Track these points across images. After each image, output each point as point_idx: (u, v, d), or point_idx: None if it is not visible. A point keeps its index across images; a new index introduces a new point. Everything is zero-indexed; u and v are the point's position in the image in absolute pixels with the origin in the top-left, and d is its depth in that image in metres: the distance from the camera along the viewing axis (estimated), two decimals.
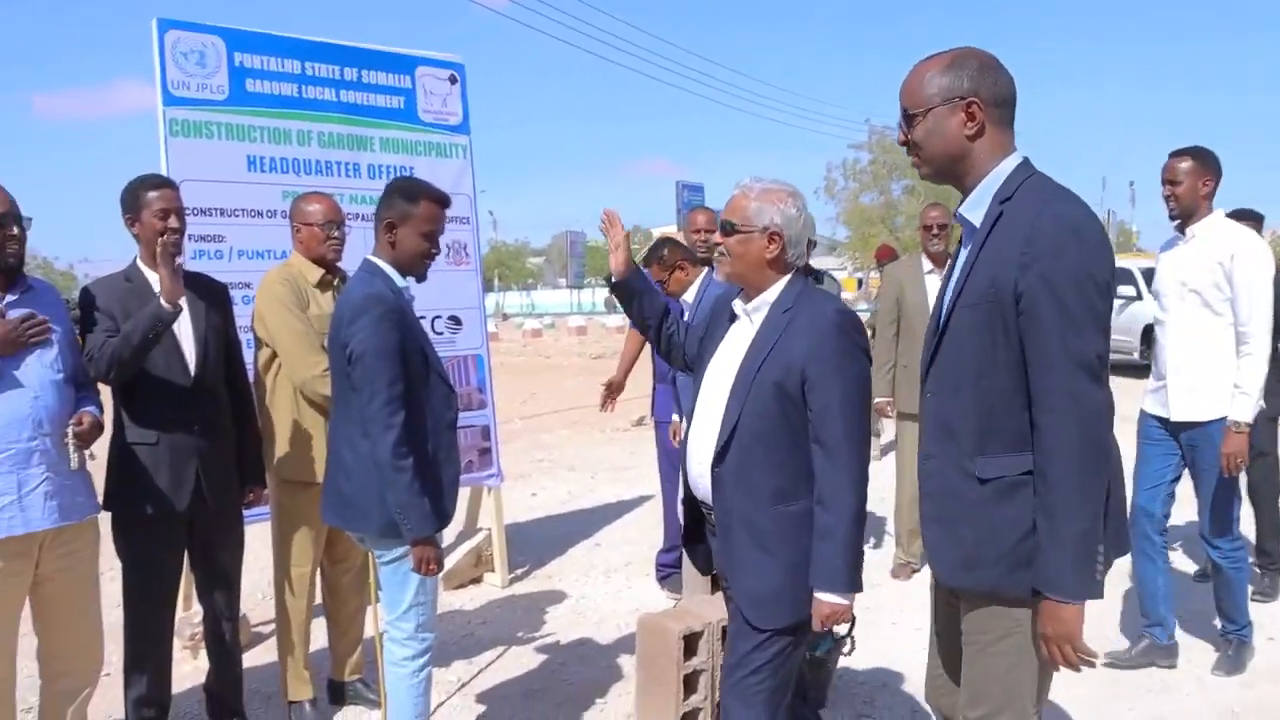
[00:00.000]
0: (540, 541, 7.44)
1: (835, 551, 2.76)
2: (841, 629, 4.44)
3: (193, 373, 3.89)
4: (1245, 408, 4.40)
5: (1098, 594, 2.28)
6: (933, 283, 5.94)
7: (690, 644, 4.04)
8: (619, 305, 3.48)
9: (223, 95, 5.17)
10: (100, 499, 3.75)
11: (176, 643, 4.26)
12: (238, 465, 4.13)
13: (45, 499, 3.42)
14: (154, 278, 3.85)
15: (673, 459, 6.04)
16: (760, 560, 2.88)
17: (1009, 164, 2.45)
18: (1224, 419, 4.46)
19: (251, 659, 4.85)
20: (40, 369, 3.46)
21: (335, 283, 4.34)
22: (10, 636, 3.50)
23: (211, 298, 4.07)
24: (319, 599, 4.55)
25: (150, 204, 3.84)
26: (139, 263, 3.91)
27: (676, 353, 3.43)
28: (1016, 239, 2.31)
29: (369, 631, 4.55)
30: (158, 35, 4.93)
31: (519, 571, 6.66)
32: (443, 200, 3.62)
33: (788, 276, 2.97)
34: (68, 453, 3.46)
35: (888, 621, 5.43)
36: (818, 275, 6.38)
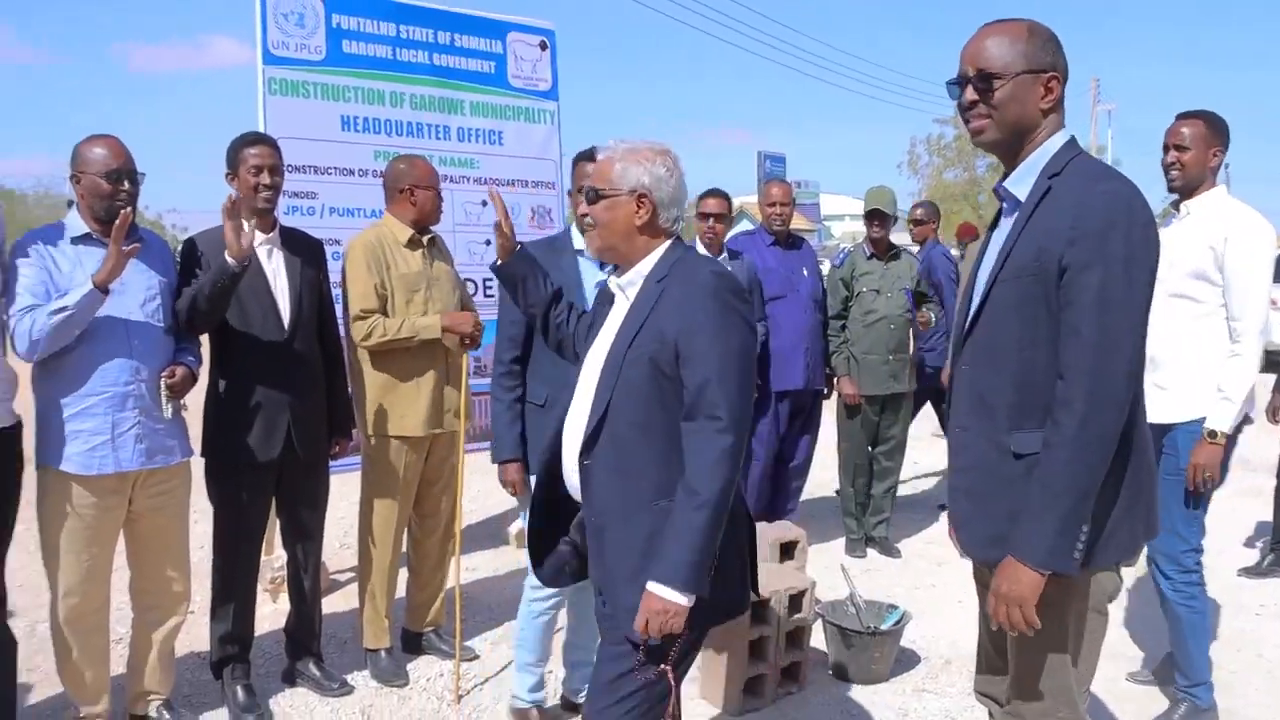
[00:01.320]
0: None
1: (680, 539, 2.41)
2: (893, 614, 4.50)
3: (287, 326, 4.01)
4: (1226, 415, 3.76)
5: (1069, 569, 2.28)
6: None
7: (757, 611, 4.11)
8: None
9: (320, 56, 5.29)
10: (196, 445, 3.91)
11: (258, 585, 4.42)
12: (327, 417, 4.26)
13: (136, 441, 3.61)
14: (255, 233, 3.99)
15: (753, 430, 6.08)
16: (640, 565, 2.50)
17: (1057, 140, 2.44)
18: (1196, 423, 3.81)
19: (329, 605, 5.00)
20: (140, 317, 3.62)
21: (425, 242, 4.43)
22: (106, 566, 3.71)
23: (307, 253, 4.18)
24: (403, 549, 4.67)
25: (246, 160, 3.98)
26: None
27: (567, 344, 3.10)
28: (1065, 214, 2.29)
29: (449, 583, 4.67)
30: None
31: None
32: None
33: (664, 245, 2.68)
34: (161, 400, 3.63)
35: (954, 599, 5.43)
36: (895, 251, 6.34)
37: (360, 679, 4.43)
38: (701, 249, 5.68)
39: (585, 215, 2.74)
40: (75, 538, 3.58)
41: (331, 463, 4.41)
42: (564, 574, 2.91)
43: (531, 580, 3.86)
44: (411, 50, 5.65)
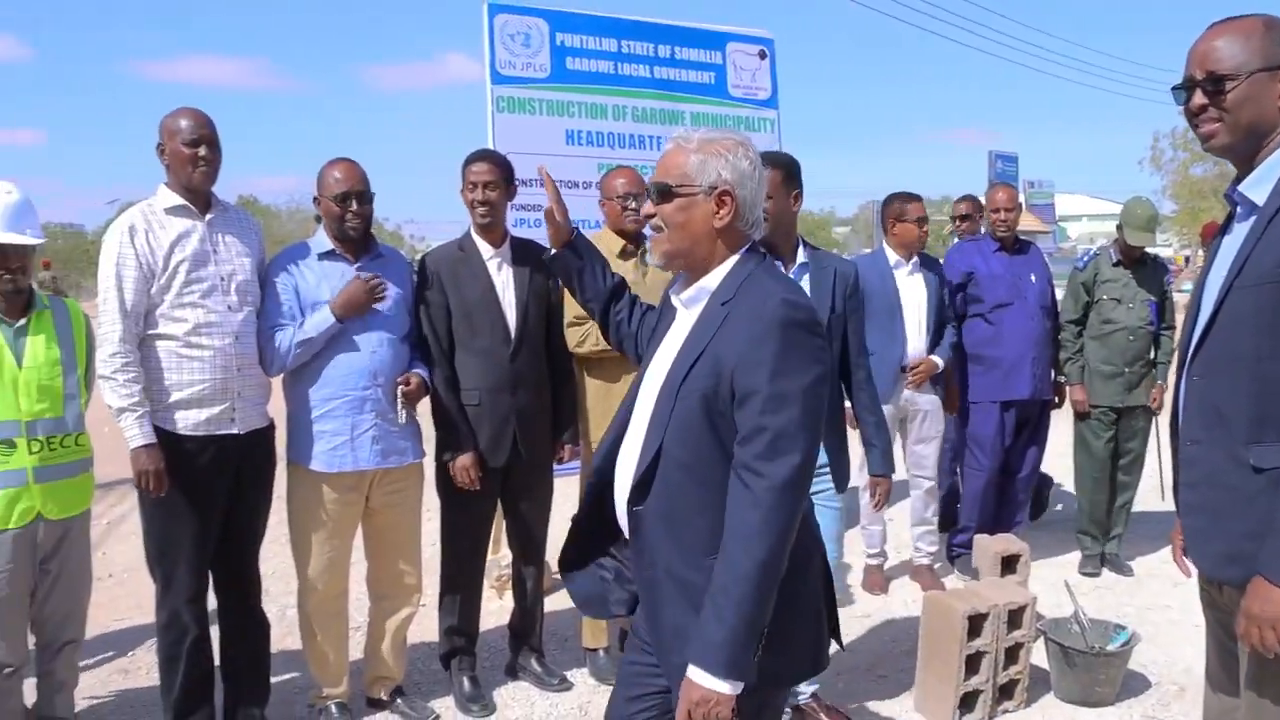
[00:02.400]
0: None
1: (721, 618, 2.07)
2: (1121, 635, 4.29)
3: (513, 337, 4.18)
4: None
5: None
6: None
7: (975, 625, 4.03)
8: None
9: (545, 73, 5.51)
10: (429, 446, 4.15)
11: (485, 582, 4.62)
12: (552, 422, 4.41)
13: (372, 443, 3.88)
14: (484, 247, 4.19)
15: (978, 440, 5.94)
16: (694, 624, 2.18)
17: None
18: None
19: (551, 603, 5.16)
20: (379, 327, 3.87)
21: (639, 252, 4.54)
22: (345, 557, 4.01)
23: (536, 264, 4.31)
24: None
25: (467, 176, 4.20)
26: (471, 232, 4.24)
27: (628, 343, 2.82)
28: None
29: None
30: (488, 19, 5.32)
31: None
32: None
33: (736, 257, 2.33)
34: (397, 406, 3.87)
35: (1191, 622, 5.13)
36: (1143, 257, 6.02)
37: (579, 676, 4.58)
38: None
39: (651, 216, 2.36)
40: (318, 530, 3.89)
41: (556, 466, 4.57)
42: (607, 604, 2.59)
43: None
44: (633, 64, 5.80)
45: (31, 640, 3.79)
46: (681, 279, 2.43)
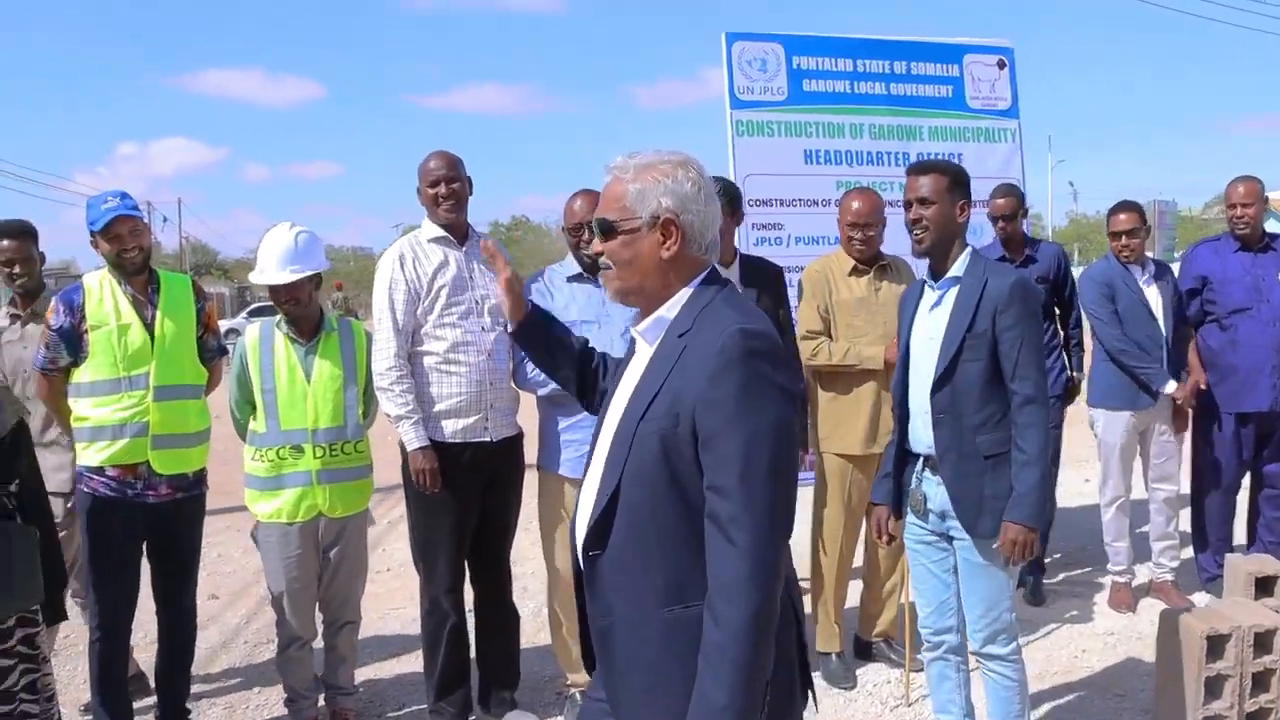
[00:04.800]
0: (1079, 529, 7.29)
1: (720, 679, 1.91)
2: None
3: None
4: None
5: None
6: None
7: (1214, 646, 3.91)
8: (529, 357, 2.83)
9: (782, 96, 5.70)
10: None
11: None
12: None
13: None
14: (719, 266, 4.41)
15: (1212, 455, 5.69)
16: (650, 681, 2.08)
17: None
18: None
19: None
20: (621, 346, 4.11)
21: (870, 271, 4.65)
22: None
23: (763, 281, 4.54)
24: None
25: None
26: None
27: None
28: None
29: (902, 598, 4.85)
30: (726, 47, 5.56)
31: (1056, 556, 6.61)
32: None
33: (692, 286, 2.17)
34: None
35: None
36: None
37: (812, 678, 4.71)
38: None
39: (600, 253, 2.22)
40: (568, 531, 4.18)
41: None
42: None
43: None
44: (868, 82, 5.91)
45: (320, 619, 4.30)
46: (640, 311, 2.27)
